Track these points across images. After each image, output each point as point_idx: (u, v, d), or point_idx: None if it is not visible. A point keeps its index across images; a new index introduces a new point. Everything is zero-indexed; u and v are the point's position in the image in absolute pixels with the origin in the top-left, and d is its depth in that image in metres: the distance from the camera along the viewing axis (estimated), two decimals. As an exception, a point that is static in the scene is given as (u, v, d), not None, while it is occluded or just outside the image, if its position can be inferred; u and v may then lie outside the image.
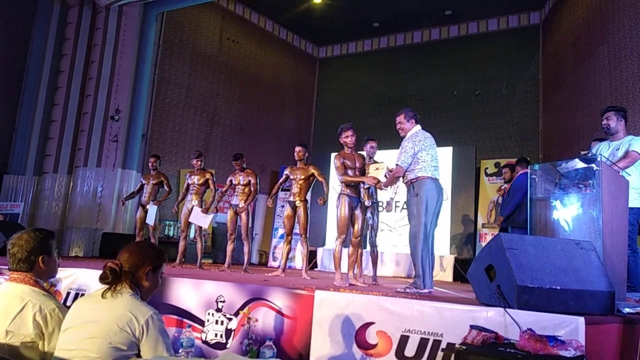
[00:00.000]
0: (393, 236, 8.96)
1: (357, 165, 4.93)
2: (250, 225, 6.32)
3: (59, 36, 9.40)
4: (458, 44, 11.28)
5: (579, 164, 3.43)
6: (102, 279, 1.97)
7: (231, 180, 6.20)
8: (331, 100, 12.81)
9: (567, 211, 3.44)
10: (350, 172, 4.80)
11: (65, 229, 8.65)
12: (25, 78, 9.29)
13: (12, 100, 9.16)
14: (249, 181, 6.09)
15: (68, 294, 4.00)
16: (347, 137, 4.90)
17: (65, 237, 8.47)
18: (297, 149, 5.78)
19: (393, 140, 11.72)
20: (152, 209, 6.59)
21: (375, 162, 5.44)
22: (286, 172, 5.86)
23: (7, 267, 4.03)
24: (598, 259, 2.96)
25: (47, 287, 2.24)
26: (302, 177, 5.67)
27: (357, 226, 4.81)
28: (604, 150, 3.99)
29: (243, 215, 6.02)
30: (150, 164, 6.84)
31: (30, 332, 1.99)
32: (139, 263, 2.03)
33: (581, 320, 2.45)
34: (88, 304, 1.96)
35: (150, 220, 6.59)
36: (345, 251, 4.90)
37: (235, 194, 6.15)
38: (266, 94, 11.90)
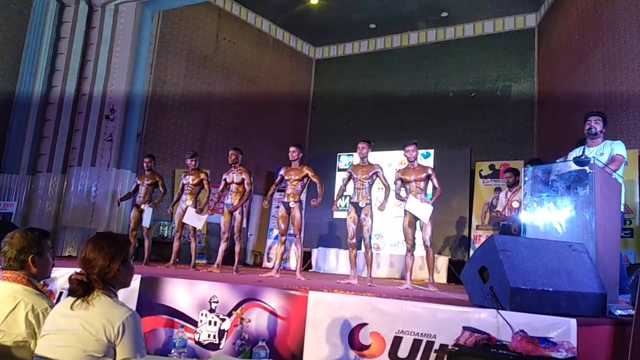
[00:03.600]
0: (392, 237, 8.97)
1: (414, 177, 5.20)
2: (245, 225, 6.30)
3: (54, 35, 9.35)
4: (454, 46, 11.32)
5: (572, 166, 3.45)
6: (72, 293, 1.86)
7: (225, 179, 6.16)
8: (327, 101, 12.81)
9: (560, 213, 3.46)
10: (407, 187, 5.17)
11: (58, 228, 8.60)
12: (20, 76, 9.23)
13: (6, 98, 9.11)
14: (242, 179, 6.04)
15: (61, 293, 3.99)
16: (407, 152, 5.25)
17: (58, 237, 8.42)
18: (291, 149, 5.77)
19: (389, 141, 11.80)
20: (147, 211, 6.59)
21: (369, 163, 5.46)
22: (281, 172, 5.86)
23: (-1, 266, 4.00)
24: (590, 261, 2.98)
25: (40, 287, 2.22)
26: (296, 177, 5.67)
27: (426, 233, 5.00)
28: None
29: (237, 214, 5.99)
30: (145, 164, 6.82)
31: (22, 332, 1.98)
32: (107, 264, 1.89)
33: (573, 322, 2.47)
34: (62, 312, 1.88)
35: (146, 222, 6.59)
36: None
37: (230, 193, 6.10)
38: (262, 95, 11.88)
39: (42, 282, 2.49)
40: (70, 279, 1.87)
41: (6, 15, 9.08)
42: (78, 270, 1.93)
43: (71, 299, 1.87)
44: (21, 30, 9.27)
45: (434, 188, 5.21)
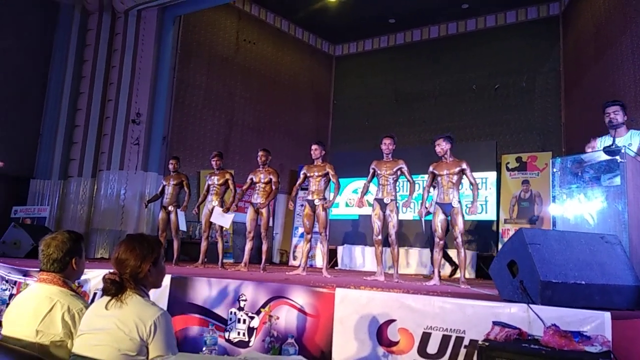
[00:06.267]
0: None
1: (446, 172, 5.06)
2: (270, 224, 6.34)
3: (80, 43, 9.59)
4: (476, 37, 11.14)
5: (602, 156, 3.36)
6: (106, 292, 1.93)
7: (252, 179, 6.20)
8: (348, 98, 12.79)
9: (591, 204, 3.38)
10: (439, 180, 5.08)
11: (90, 231, 8.84)
12: (49, 85, 9.52)
13: (37, 106, 9.39)
14: (270, 179, 6.07)
15: (95, 294, 4.10)
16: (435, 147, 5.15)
17: (90, 239, 8.65)
18: (313, 147, 5.78)
19: (411, 137, 11.67)
20: (180, 215, 6.75)
21: (393, 159, 5.41)
22: (303, 170, 5.87)
23: (35, 269, 4.14)
24: (624, 252, 2.91)
25: (75, 288, 2.30)
26: (319, 174, 5.68)
27: (457, 228, 4.88)
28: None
29: (264, 212, 6.01)
30: (171, 166, 6.94)
31: (59, 332, 2.05)
32: (138, 264, 1.95)
33: (607, 315, 2.41)
34: (97, 312, 1.94)
35: (183, 225, 6.73)
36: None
37: (256, 192, 6.15)
38: (283, 94, 11.95)
39: (76, 283, 2.57)
40: (103, 279, 1.95)
41: (33, 25, 9.35)
42: (112, 270, 1.99)
43: (105, 299, 1.94)
44: (48, 40, 9.54)
45: (470, 184, 5.04)
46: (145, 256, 1.97)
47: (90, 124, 9.31)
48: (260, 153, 6.17)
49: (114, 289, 1.91)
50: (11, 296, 4.73)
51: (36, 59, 9.36)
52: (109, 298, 1.92)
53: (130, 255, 1.96)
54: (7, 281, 4.97)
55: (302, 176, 5.89)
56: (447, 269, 7.29)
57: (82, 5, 9.59)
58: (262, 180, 6.07)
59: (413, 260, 8.45)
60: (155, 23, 9.24)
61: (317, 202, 5.62)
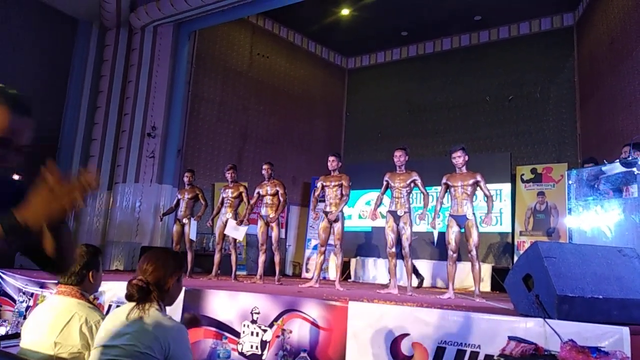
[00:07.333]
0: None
1: (460, 183, 5.03)
2: (282, 236, 6.37)
3: (97, 58, 9.79)
4: (489, 49, 11.12)
5: (619, 168, 3.33)
6: (129, 298, 1.90)
7: (259, 192, 6.28)
8: (361, 111, 12.82)
9: (608, 217, 3.34)
10: (452, 191, 5.09)
11: (106, 243, 8.93)
12: (67, 99, 9.71)
13: (55, 120, 9.58)
14: (277, 191, 6.15)
15: (110, 306, 4.14)
16: (454, 158, 5.12)
17: (106, 252, 8.73)
18: (331, 158, 5.80)
19: (424, 148, 11.63)
20: (192, 224, 6.77)
21: (406, 171, 5.41)
22: (319, 181, 5.89)
23: (52, 281, 4.19)
24: (642, 266, 2.85)
25: (92, 300, 2.33)
26: (336, 183, 5.70)
27: (471, 241, 4.86)
28: None
29: (274, 226, 6.06)
30: (186, 179, 7.02)
31: (77, 343, 2.07)
32: (164, 275, 1.94)
33: (626, 330, 2.37)
34: (114, 322, 1.92)
35: (192, 235, 6.77)
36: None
37: (264, 205, 6.21)
38: (296, 107, 12.03)
39: (92, 296, 2.60)
40: (130, 283, 1.91)
41: (52, 41, 9.58)
42: (139, 277, 1.96)
43: (124, 310, 1.91)
44: (67, 55, 9.76)
45: (485, 196, 5.05)
46: (173, 270, 1.98)
47: (107, 137, 9.46)
48: (264, 167, 6.27)
49: (139, 295, 1.88)
50: (28, 308, 4.80)
51: (55, 73, 9.57)
52: (129, 307, 1.89)
53: (161, 265, 1.96)
54: (24, 293, 5.05)
55: (319, 186, 5.91)
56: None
57: (100, 22, 9.81)
58: (269, 193, 6.16)
59: (427, 273, 8.36)
60: (170, 38, 9.41)
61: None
